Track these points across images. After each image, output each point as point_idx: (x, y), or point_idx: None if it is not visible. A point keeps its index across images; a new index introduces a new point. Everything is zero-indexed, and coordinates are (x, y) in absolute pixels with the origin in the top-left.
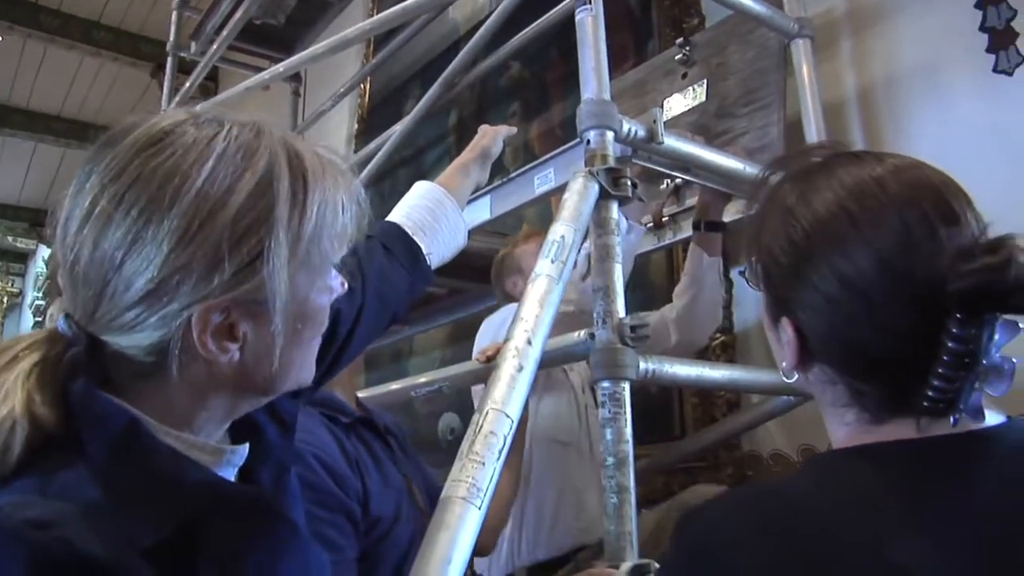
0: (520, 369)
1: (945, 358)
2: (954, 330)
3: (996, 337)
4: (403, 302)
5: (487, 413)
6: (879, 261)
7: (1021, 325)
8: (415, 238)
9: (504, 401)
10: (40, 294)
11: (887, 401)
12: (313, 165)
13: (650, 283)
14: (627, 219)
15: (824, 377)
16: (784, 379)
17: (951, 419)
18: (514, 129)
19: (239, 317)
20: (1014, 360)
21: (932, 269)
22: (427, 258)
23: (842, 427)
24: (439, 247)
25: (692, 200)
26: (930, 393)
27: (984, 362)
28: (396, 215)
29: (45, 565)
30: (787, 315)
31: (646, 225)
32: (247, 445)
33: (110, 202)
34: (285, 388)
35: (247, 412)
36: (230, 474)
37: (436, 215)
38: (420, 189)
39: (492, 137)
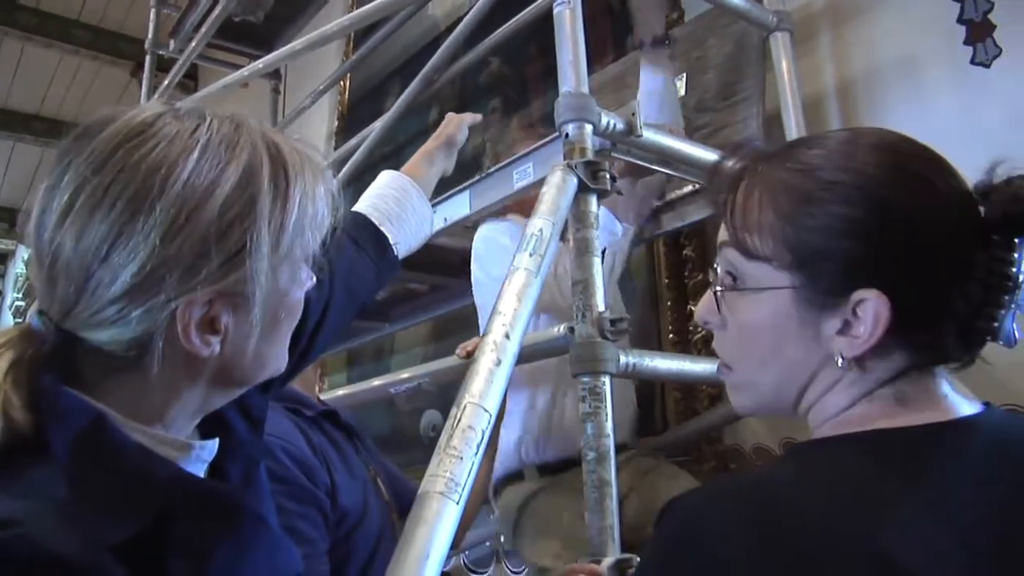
0: (498, 363)
1: (993, 284)
2: (996, 253)
3: None
4: (371, 293)
5: (465, 407)
6: (942, 203)
7: None
8: (382, 228)
9: (482, 395)
10: (20, 295)
11: (943, 353)
12: (292, 158)
13: (631, 277)
14: (619, 221)
15: (883, 355)
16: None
17: (1007, 343)
18: (479, 117)
19: (221, 309)
20: None
21: (969, 202)
22: (394, 248)
23: (837, 420)
24: (406, 236)
25: (673, 194)
26: (981, 323)
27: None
28: (362, 205)
29: (7, 563)
30: (871, 286)
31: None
32: (216, 441)
33: (93, 194)
34: (259, 380)
35: (217, 407)
36: (199, 470)
37: (402, 204)
38: (385, 178)
39: (457, 125)
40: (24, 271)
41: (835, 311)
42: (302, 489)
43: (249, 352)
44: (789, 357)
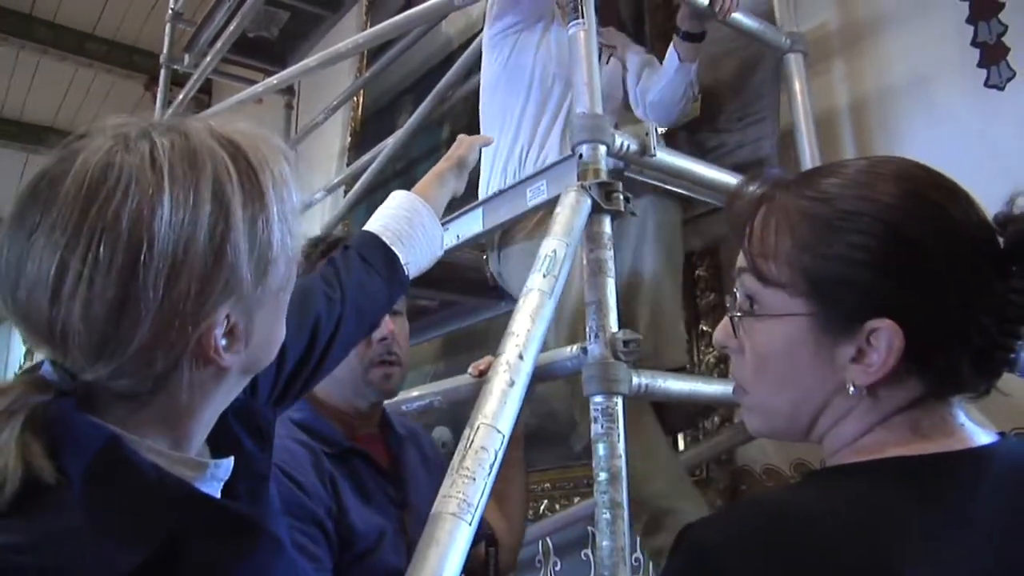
0: (511, 384)
1: (1010, 316)
2: (1015, 282)
3: None
4: (380, 311)
5: (478, 428)
6: (960, 235)
7: None
8: (393, 248)
9: (495, 416)
10: None
11: (959, 383)
12: (251, 149)
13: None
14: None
15: (897, 384)
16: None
17: (1020, 372)
18: (491, 138)
19: (237, 318)
20: None
21: (988, 234)
22: (404, 267)
23: (851, 448)
24: (416, 256)
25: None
26: (998, 355)
27: None
28: (373, 224)
29: None
30: (886, 315)
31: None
32: (231, 460)
33: (83, 263)
34: (271, 358)
35: (226, 425)
36: (215, 488)
37: (413, 224)
38: (397, 198)
39: (468, 146)
40: None
41: (850, 339)
42: (300, 507)
43: (263, 339)
44: (803, 383)
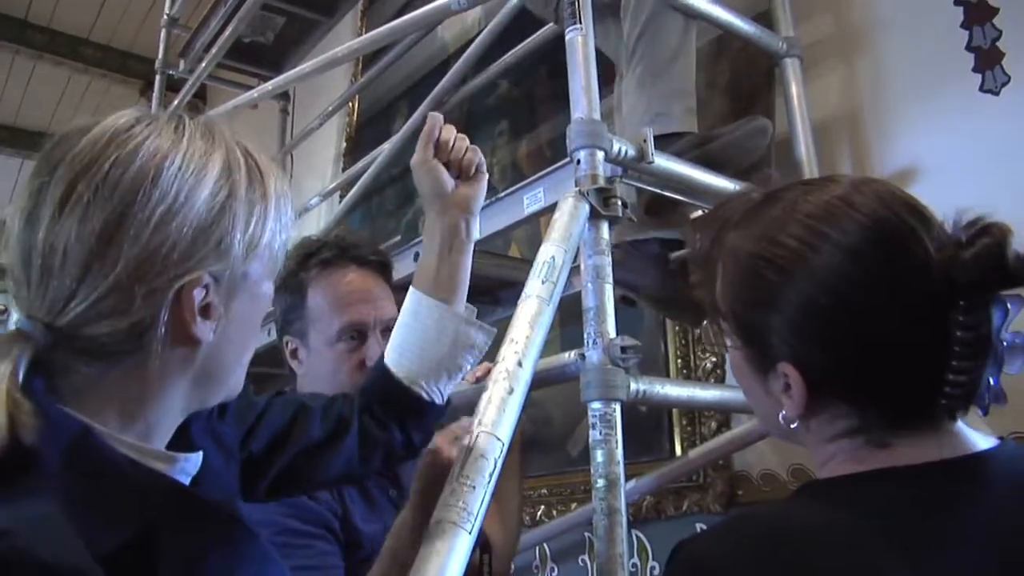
0: (511, 392)
1: (957, 349)
2: (961, 318)
3: (1010, 314)
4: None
5: (478, 436)
6: (872, 274)
7: None
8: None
9: (495, 424)
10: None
11: (902, 416)
12: (260, 158)
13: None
14: None
15: (830, 413)
16: (781, 430)
17: (980, 411)
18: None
19: (215, 295)
20: None
21: (925, 268)
22: (421, 393)
23: (840, 458)
24: (431, 368)
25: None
26: (948, 389)
27: (997, 343)
28: (404, 363)
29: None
30: (784, 360)
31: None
32: (201, 453)
33: (90, 185)
34: (232, 380)
35: (188, 434)
36: (185, 482)
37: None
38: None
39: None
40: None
41: (775, 375)
42: (304, 509)
43: (234, 347)
44: (762, 405)
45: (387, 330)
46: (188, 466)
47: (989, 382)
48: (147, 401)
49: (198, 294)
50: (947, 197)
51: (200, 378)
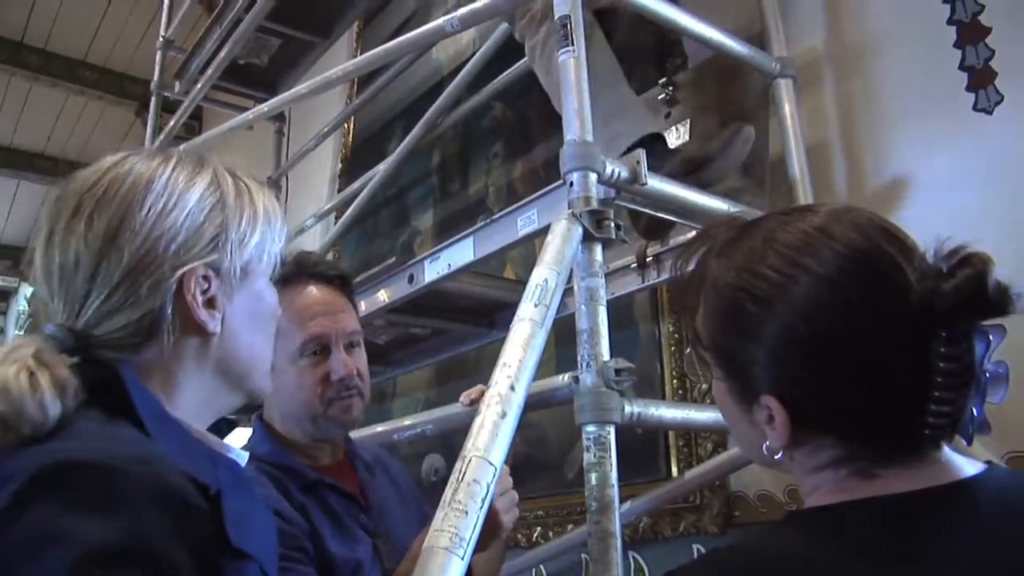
0: (503, 415)
1: (940, 379)
2: (942, 349)
3: (992, 344)
4: None
5: (470, 461)
6: (852, 305)
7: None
8: None
9: (487, 448)
10: (22, 332)
11: (886, 447)
12: (250, 181)
13: (635, 323)
14: None
15: (814, 444)
16: (765, 459)
17: (965, 440)
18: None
19: (216, 290)
20: (1006, 363)
21: (905, 298)
22: None
23: (825, 489)
24: None
25: (676, 240)
26: (931, 420)
27: (979, 372)
28: None
29: (153, 492)
30: (766, 392)
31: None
32: (247, 454)
33: (91, 199)
34: (256, 378)
35: (223, 411)
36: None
37: None
38: None
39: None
40: (27, 308)
41: (758, 406)
42: (282, 533)
43: (244, 341)
44: (746, 436)
45: (350, 344)
46: (236, 457)
47: (973, 412)
48: (173, 388)
49: (199, 284)
50: (941, 216)
51: (219, 372)
